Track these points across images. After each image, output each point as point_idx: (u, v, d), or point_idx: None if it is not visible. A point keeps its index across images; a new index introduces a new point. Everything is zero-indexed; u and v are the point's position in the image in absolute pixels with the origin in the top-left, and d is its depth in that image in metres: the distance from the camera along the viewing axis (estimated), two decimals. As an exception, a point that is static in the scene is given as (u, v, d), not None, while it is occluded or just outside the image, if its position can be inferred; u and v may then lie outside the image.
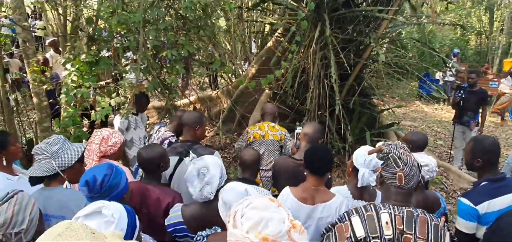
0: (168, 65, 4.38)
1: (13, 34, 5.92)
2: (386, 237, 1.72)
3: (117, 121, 4.19)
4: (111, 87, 4.56)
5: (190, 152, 2.42)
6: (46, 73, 4.56)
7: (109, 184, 1.74)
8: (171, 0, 4.38)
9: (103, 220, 1.38)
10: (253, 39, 10.28)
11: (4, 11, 4.90)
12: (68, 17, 5.44)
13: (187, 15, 4.34)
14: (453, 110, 6.93)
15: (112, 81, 5.87)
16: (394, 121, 6.92)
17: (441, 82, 13.05)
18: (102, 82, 5.43)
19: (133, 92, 4.04)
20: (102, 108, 3.60)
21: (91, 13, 4.62)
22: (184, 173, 2.93)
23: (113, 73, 5.80)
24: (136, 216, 1.53)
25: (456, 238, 2.54)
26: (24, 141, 5.33)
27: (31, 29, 5.03)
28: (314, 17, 5.48)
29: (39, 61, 4.87)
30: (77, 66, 3.74)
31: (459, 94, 6.54)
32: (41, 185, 2.18)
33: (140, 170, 3.49)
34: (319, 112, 5.98)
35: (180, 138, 3.38)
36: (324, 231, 1.93)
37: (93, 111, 3.72)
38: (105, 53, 4.24)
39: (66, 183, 2.14)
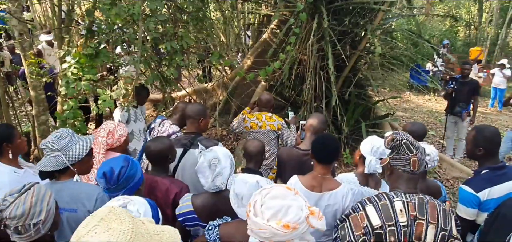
0: (166, 57, 4.37)
1: (1, 25, 5.83)
2: (401, 224, 1.78)
3: (117, 113, 4.17)
4: (110, 79, 4.52)
5: (199, 144, 2.44)
6: (44, 65, 4.50)
7: (126, 176, 1.76)
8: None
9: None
10: (247, 31, 10.30)
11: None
12: (62, 9, 5.37)
13: (186, 7, 4.33)
14: (444, 101, 7.06)
15: (107, 73, 5.82)
16: (388, 111, 7.01)
17: (431, 73, 13.22)
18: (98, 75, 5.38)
19: (134, 85, 4.03)
20: (103, 101, 3.59)
21: (87, 4, 4.57)
22: (189, 164, 3.00)
23: (107, 65, 5.76)
24: (159, 210, 1.55)
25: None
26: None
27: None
28: (311, 9, 5.50)
29: (35, 54, 4.81)
30: (76, 58, 3.71)
31: (452, 85, 6.65)
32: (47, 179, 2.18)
33: (144, 162, 3.50)
34: (315, 104, 6.04)
35: (183, 130, 3.38)
36: (338, 222, 1.97)
37: (95, 104, 3.71)
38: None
39: (76, 176, 2.15)
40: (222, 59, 4.86)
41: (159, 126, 3.75)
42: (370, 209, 1.84)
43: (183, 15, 4.44)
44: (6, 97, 5.34)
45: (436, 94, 12.86)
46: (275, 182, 3.35)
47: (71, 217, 1.98)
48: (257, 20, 8.76)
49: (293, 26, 5.37)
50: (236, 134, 6.71)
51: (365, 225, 1.79)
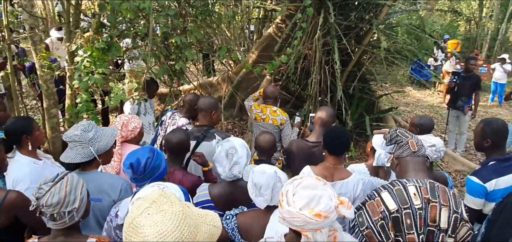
0: (176, 51, 4.43)
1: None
2: (416, 207, 1.86)
3: (127, 107, 4.24)
4: (120, 73, 4.58)
5: (216, 135, 2.51)
6: (56, 59, 4.55)
7: (151, 166, 1.83)
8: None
9: None
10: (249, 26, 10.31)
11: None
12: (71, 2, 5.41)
13: (194, 2, 4.38)
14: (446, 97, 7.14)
15: (114, 67, 5.88)
16: (391, 106, 7.08)
17: (431, 67, 13.29)
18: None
19: (144, 78, 4.09)
20: (115, 94, 3.65)
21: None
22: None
23: (113, 59, 5.82)
24: (190, 196, 1.62)
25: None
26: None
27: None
28: (317, 4, 5.55)
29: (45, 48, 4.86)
30: (88, 52, 3.77)
31: (454, 80, 6.73)
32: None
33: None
34: (319, 98, 6.10)
35: (196, 123, 3.45)
36: (355, 210, 2.05)
37: (106, 97, 3.77)
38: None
39: (101, 166, 2.22)
40: (229, 53, 4.92)
41: (169, 118, 3.82)
42: (385, 195, 1.92)
43: (191, 9, 4.48)
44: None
45: (437, 88, 12.92)
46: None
47: (96, 206, 2.06)
48: (260, 14, 8.81)
49: (298, 21, 5.44)
50: (241, 128, 6.79)
51: (382, 210, 1.87)
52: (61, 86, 4.51)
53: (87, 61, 3.76)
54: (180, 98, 7.24)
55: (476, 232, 2.57)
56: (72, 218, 1.64)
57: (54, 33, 7.61)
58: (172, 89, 5.27)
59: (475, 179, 2.65)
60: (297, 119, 4.91)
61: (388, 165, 2.65)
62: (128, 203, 1.88)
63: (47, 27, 8.07)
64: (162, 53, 4.34)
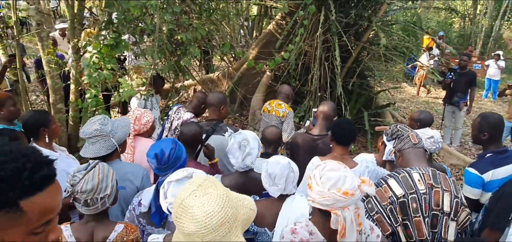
0: (181, 47, 4.53)
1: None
2: (421, 191, 2.01)
3: (134, 102, 4.33)
4: (131, 68, 4.67)
5: (228, 128, 2.63)
6: (63, 55, 4.62)
7: (174, 157, 1.94)
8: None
9: None
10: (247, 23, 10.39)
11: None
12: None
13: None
14: (439, 93, 7.31)
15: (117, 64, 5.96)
16: (389, 102, 7.23)
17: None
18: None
19: (151, 74, 4.19)
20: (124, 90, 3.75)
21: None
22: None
23: (116, 56, 5.90)
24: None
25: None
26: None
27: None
28: (318, 2, 5.67)
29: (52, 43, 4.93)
30: (98, 49, 3.86)
31: (450, 76, 6.89)
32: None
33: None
34: (319, 94, 6.23)
35: (206, 115, 3.55)
36: (364, 198, 2.19)
37: (116, 92, 3.87)
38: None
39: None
40: (232, 50, 5.03)
41: (175, 113, 3.91)
42: (392, 182, 2.06)
43: (196, 6, 4.58)
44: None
45: (432, 85, 13.10)
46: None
47: (120, 194, 2.17)
48: (258, 11, 8.91)
49: (298, 19, 5.56)
50: (242, 123, 6.91)
51: (390, 195, 2.01)
52: (68, 82, 4.57)
53: (96, 57, 3.85)
54: (181, 93, 7.34)
55: (474, 219, 2.71)
56: (104, 204, 1.76)
57: (58, 25, 7.66)
58: (174, 85, 5.38)
59: (472, 170, 2.80)
60: (307, 123, 5.06)
61: (395, 161, 2.81)
62: (150, 192, 1.99)
63: (51, 24, 8.10)
64: (168, 50, 4.44)
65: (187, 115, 3.81)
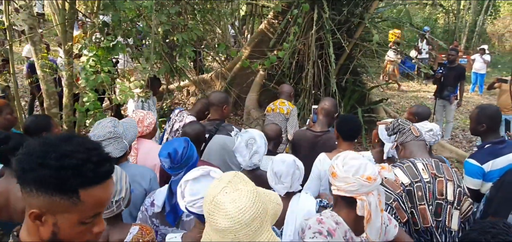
0: (177, 49, 4.52)
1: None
2: (425, 180, 2.06)
3: (131, 104, 4.30)
4: (127, 71, 4.64)
5: (233, 128, 2.64)
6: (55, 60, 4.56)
7: (187, 155, 1.93)
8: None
9: (213, 181, 1.59)
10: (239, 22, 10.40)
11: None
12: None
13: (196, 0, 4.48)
14: (427, 88, 7.44)
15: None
16: (381, 97, 7.32)
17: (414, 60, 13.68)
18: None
19: (148, 76, 4.17)
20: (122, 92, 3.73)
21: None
22: (214, 149, 3.19)
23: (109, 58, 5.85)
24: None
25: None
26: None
27: None
28: (310, 0, 5.72)
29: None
30: (94, 52, 3.83)
31: (440, 71, 7.02)
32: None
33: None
34: (313, 91, 6.28)
35: (208, 117, 3.55)
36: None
37: (114, 95, 3.84)
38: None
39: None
40: (227, 50, 5.04)
41: (177, 116, 3.90)
42: (398, 171, 2.11)
43: (191, 7, 4.58)
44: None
45: (421, 80, 13.30)
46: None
47: (129, 196, 2.16)
48: (249, 11, 8.92)
49: (290, 18, 5.60)
50: (236, 122, 6.92)
51: (400, 183, 2.06)
52: (61, 87, 4.52)
53: (93, 60, 3.82)
54: (174, 95, 7.31)
55: (475, 209, 2.77)
56: (119, 207, 1.75)
57: None
58: (168, 86, 5.36)
59: (473, 161, 2.86)
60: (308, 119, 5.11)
61: (397, 157, 2.86)
62: (163, 192, 1.99)
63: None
64: (164, 51, 4.42)
65: (189, 118, 3.79)
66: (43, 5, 15.96)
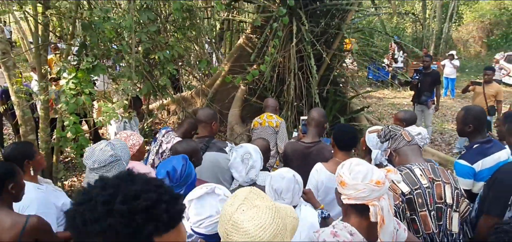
0: (158, 67, 4.43)
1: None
2: (424, 186, 2.06)
3: (112, 126, 4.17)
4: (108, 92, 4.50)
5: (227, 143, 2.57)
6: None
7: (186, 173, 1.86)
8: (160, 2, 4.43)
9: (218, 199, 1.53)
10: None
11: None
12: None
13: (176, 18, 4.42)
14: (402, 95, 7.63)
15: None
16: (362, 106, 7.42)
17: (389, 69, 14.02)
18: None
19: (130, 96, 4.05)
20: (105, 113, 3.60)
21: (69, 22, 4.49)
22: (205, 167, 3.10)
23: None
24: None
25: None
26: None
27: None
28: (289, 13, 5.76)
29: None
30: (73, 74, 3.69)
31: (417, 77, 7.22)
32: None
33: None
34: (295, 103, 6.30)
35: (198, 134, 3.46)
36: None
37: (97, 118, 3.70)
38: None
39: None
40: (209, 66, 4.99)
41: (163, 136, 3.79)
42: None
43: (173, 24, 4.52)
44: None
45: (396, 87, 13.61)
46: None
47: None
48: (226, 26, 8.93)
49: (268, 32, 5.62)
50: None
51: (400, 193, 2.05)
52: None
53: (72, 82, 3.68)
54: (154, 114, 7.17)
55: (471, 208, 2.80)
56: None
57: None
58: (148, 106, 5.24)
59: (463, 162, 2.90)
60: (295, 133, 5.08)
61: (385, 163, 2.87)
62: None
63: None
64: (145, 70, 4.32)
65: (176, 139, 3.68)
66: (10, 32, 15.56)
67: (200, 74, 7.17)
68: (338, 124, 3.30)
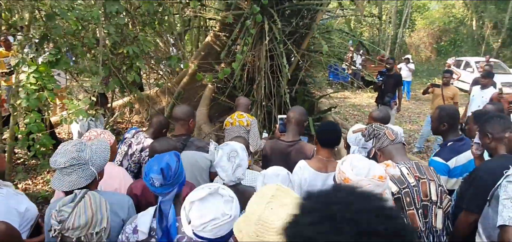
0: (127, 62, 4.21)
1: None
2: (412, 185, 2.08)
3: (75, 125, 3.90)
4: (70, 87, 4.20)
5: (211, 141, 2.46)
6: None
7: (179, 171, 1.73)
8: (128, -6, 4.21)
9: (222, 200, 1.42)
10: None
11: None
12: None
13: (145, 10, 4.22)
14: (363, 97, 7.85)
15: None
16: (330, 106, 7.53)
17: (349, 71, 14.41)
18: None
19: (97, 92, 3.81)
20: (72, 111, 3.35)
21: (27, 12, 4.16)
22: (184, 166, 2.96)
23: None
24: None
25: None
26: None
27: None
28: (260, 12, 5.71)
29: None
30: (34, 67, 3.40)
31: (380, 79, 7.44)
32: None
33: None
34: (263, 103, 6.26)
35: (174, 132, 3.29)
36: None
37: (62, 114, 3.43)
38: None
39: (100, 184, 2.03)
40: (180, 62, 4.82)
41: (133, 137, 3.58)
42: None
43: (142, 18, 4.31)
44: None
45: (355, 89, 14.00)
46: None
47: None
48: (195, 23, 8.73)
49: (238, 30, 5.55)
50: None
51: (389, 192, 2.05)
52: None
53: (33, 77, 3.39)
54: (116, 114, 6.84)
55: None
56: (100, 239, 1.50)
57: None
58: (107, 104, 4.95)
59: (438, 159, 2.99)
60: (265, 134, 5.02)
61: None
62: (147, 215, 1.76)
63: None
64: (113, 64, 4.09)
65: (147, 142, 3.48)
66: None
67: (166, 71, 6.93)
68: (322, 122, 3.29)
